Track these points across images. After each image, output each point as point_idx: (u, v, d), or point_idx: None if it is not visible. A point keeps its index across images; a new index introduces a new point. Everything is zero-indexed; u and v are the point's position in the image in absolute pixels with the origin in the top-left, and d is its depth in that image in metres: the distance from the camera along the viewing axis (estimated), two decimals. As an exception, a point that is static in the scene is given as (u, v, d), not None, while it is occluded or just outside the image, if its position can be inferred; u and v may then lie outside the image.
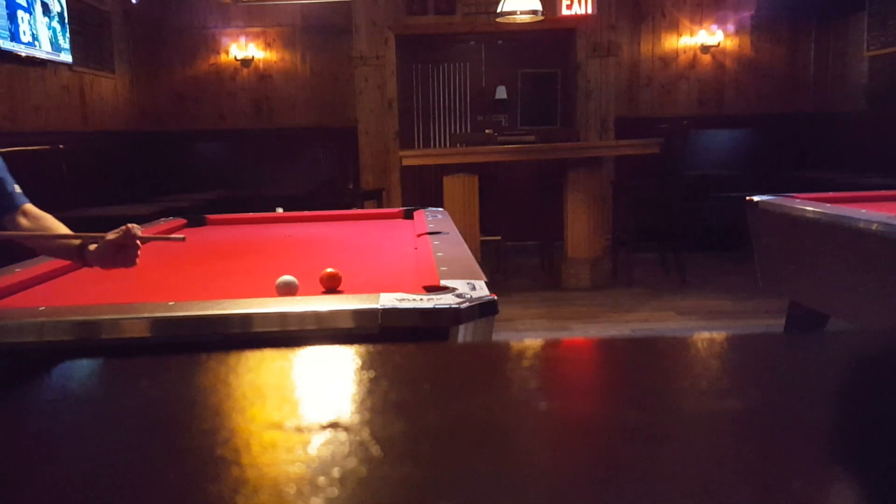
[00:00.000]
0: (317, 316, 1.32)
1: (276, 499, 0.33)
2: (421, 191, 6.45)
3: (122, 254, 1.61)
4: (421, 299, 1.35)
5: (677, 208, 5.44)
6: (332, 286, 1.62)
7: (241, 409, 0.46)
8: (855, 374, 0.50)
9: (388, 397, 0.46)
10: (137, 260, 1.63)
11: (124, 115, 6.37)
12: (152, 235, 1.65)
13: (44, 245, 1.75)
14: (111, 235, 1.61)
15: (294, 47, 6.86)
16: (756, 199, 3.30)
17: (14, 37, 4.49)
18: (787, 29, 6.83)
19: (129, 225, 1.61)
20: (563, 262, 5.22)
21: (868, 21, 5.92)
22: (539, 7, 5.27)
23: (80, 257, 1.66)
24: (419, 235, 2.32)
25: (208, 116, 6.89)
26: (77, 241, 1.65)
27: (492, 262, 5.53)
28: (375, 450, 0.37)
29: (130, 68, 6.54)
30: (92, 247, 1.63)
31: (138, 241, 1.61)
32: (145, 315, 1.33)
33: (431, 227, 2.43)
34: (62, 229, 1.72)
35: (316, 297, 1.53)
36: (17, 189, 1.74)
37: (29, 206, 1.74)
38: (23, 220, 1.71)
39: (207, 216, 3.17)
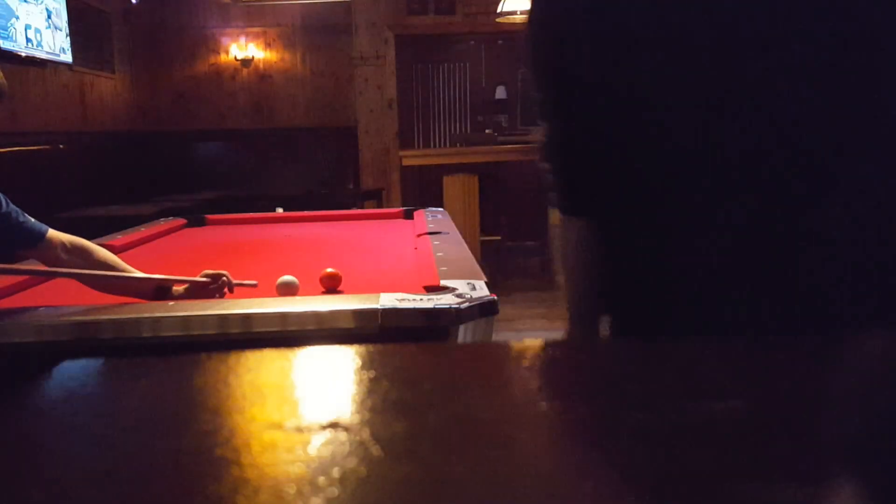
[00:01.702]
0: (317, 316, 1.32)
1: (276, 499, 0.33)
2: (421, 191, 6.46)
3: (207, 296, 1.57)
4: (421, 299, 1.35)
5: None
6: (332, 286, 1.62)
7: (241, 409, 0.46)
8: (855, 374, 0.50)
9: (388, 397, 0.46)
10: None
11: (124, 115, 6.37)
12: (237, 282, 1.61)
13: (106, 284, 1.56)
14: (201, 280, 1.57)
15: (294, 47, 6.86)
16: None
17: (13, 37, 4.49)
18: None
19: (226, 275, 1.58)
20: (564, 262, 5.22)
21: (868, 21, 5.92)
22: (539, 7, 5.27)
23: (155, 299, 1.54)
24: (419, 235, 2.32)
25: (208, 116, 6.89)
26: (152, 285, 1.55)
27: (492, 262, 5.52)
28: (375, 450, 0.37)
29: (130, 68, 6.53)
30: (178, 289, 1.57)
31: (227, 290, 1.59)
32: (145, 315, 1.33)
33: (431, 227, 2.43)
34: (119, 262, 1.57)
35: (316, 297, 1.53)
36: (31, 218, 1.50)
37: (62, 237, 1.52)
38: (63, 256, 1.50)
39: (207, 216, 3.17)
